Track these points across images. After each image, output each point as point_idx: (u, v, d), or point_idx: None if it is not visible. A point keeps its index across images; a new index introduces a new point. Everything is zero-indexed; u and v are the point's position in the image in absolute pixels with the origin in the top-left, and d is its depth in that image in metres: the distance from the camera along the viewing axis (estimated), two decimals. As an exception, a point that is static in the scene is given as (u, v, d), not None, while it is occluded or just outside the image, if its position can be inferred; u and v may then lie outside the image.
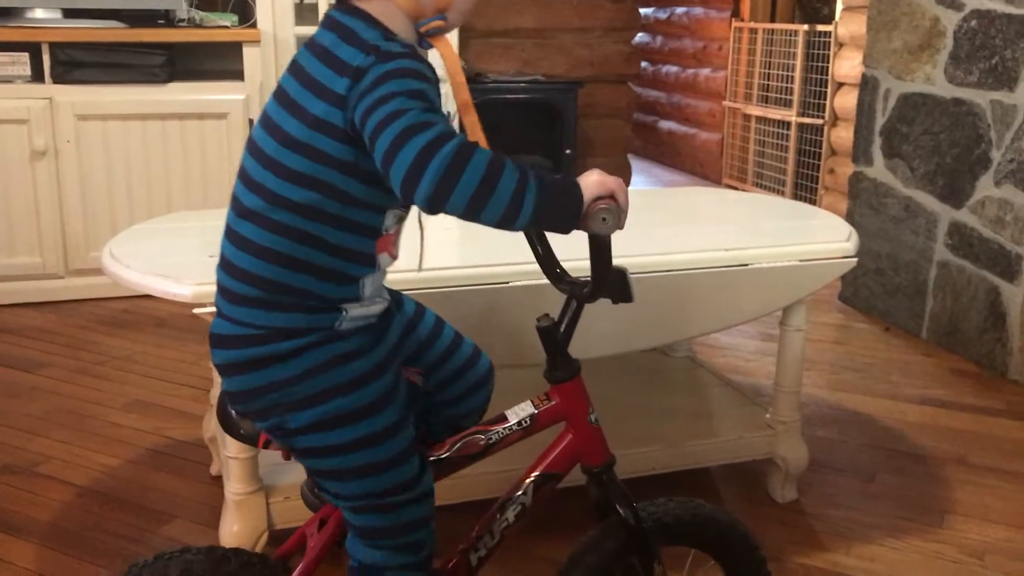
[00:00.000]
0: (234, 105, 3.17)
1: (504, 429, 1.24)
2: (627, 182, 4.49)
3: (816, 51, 4.63)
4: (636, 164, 5.92)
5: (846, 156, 3.89)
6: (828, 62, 4.50)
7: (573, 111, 4.06)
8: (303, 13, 3.36)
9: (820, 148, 4.60)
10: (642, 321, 1.69)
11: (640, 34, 6.42)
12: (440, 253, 1.72)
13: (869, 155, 3.19)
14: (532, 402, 1.25)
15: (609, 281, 1.14)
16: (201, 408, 2.26)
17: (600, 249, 1.11)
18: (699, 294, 1.72)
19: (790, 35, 4.81)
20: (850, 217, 3.27)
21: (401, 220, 1.15)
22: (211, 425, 1.96)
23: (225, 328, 1.12)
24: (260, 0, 3.26)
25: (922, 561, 1.80)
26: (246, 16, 3.30)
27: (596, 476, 1.26)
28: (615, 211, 1.05)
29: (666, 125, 6.28)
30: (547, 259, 1.23)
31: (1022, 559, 1.82)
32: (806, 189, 4.76)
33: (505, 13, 4.10)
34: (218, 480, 1.95)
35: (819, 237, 1.87)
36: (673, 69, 6.17)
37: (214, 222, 1.92)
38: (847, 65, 4.27)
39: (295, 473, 1.69)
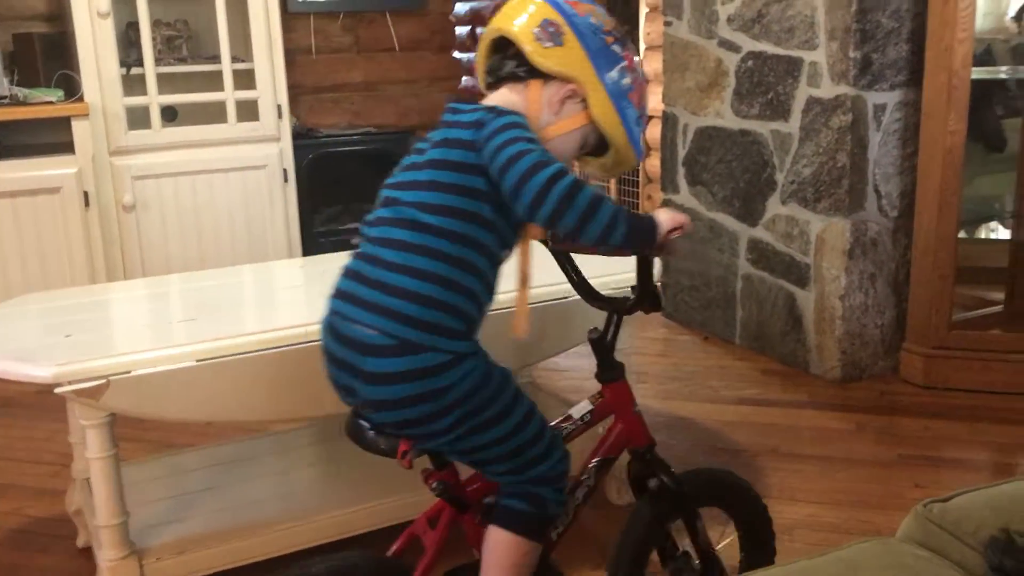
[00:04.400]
0: (66, 179, 3.19)
1: (570, 425, 1.52)
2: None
3: (627, 87, 4.99)
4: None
5: (659, 182, 4.23)
6: (638, 97, 4.86)
7: (406, 158, 4.25)
8: (130, 84, 3.41)
9: (637, 176, 4.96)
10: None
11: (467, 78, 6.69)
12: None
13: (675, 183, 3.52)
14: (589, 400, 1.54)
15: (648, 293, 1.43)
16: (60, 484, 2.29)
17: (646, 268, 1.42)
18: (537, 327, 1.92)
19: (602, 73, 5.16)
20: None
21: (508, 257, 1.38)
22: (75, 498, 2.01)
23: (381, 340, 1.27)
24: (86, 74, 3.29)
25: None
26: (72, 90, 3.33)
27: (641, 455, 1.55)
28: (687, 236, 1.36)
29: (498, 162, 6.56)
30: (582, 283, 1.58)
31: (824, 530, 2.10)
32: (630, 214, 5.09)
33: (334, 70, 4.26)
34: (86, 552, 2.00)
35: (616, 268, 2.11)
36: (499, 109, 6.46)
37: (60, 303, 1.99)
38: (653, 100, 4.64)
39: (167, 533, 1.79)
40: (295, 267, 2.62)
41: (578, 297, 1.80)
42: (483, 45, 1.44)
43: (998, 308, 3.08)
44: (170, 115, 3.58)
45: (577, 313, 1.95)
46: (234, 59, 3.57)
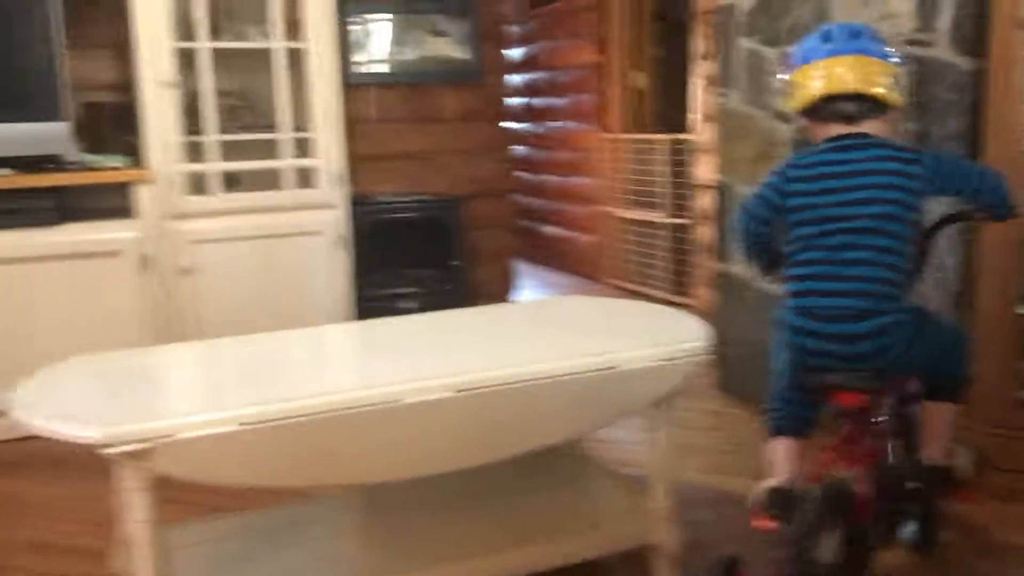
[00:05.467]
0: (126, 243, 3.27)
1: None
2: (513, 288, 4.71)
3: (679, 157, 5.02)
4: (523, 268, 6.19)
5: (714, 252, 4.20)
6: (690, 167, 4.88)
7: (458, 225, 4.29)
8: (192, 150, 3.51)
9: (691, 246, 4.94)
10: (526, 426, 1.86)
11: (521, 147, 6.78)
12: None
13: (729, 253, 3.49)
14: None
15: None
16: (104, 544, 2.29)
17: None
18: (575, 396, 1.89)
19: (654, 144, 5.20)
20: (719, 310, 3.54)
21: None
22: (118, 560, 2.01)
23: (869, 312, 1.87)
24: (149, 141, 3.40)
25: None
26: (135, 156, 3.43)
27: None
28: None
29: (549, 230, 6.60)
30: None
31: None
32: (682, 284, 5.08)
33: (391, 139, 4.34)
34: (128, 614, 1.99)
35: (678, 338, 2.08)
36: (552, 178, 6.53)
37: (113, 364, 2.02)
38: (707, 169, 4.64)
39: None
40: (346, 332, 2.63)
41: (626, 368, 1.77)
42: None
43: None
44: (230, 181, 3.66)
45: (625, 385, 1.93)
46: (294, 128, 3.66)
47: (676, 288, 5.14)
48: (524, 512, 2.12)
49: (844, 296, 1.88)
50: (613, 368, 1.90)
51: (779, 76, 2.23)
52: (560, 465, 2.43)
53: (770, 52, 3.19)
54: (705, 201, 4.72)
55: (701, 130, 4.74)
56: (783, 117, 3.14)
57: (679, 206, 5.07)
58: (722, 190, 3.52)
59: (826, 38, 1.95)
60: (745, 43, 3.31)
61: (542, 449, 2.44)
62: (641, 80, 5.60)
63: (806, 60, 1.98)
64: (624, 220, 5.59)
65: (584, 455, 2.51)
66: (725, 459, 2.89)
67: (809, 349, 1.93)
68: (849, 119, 1.94)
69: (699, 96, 4.77)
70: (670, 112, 5.46)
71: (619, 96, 5.61)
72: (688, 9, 4.98)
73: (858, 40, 1.92)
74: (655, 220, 5.24)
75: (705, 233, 4.74)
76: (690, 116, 4.96)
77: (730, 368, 3.48)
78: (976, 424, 2.78)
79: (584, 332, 2.26)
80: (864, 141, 1.93)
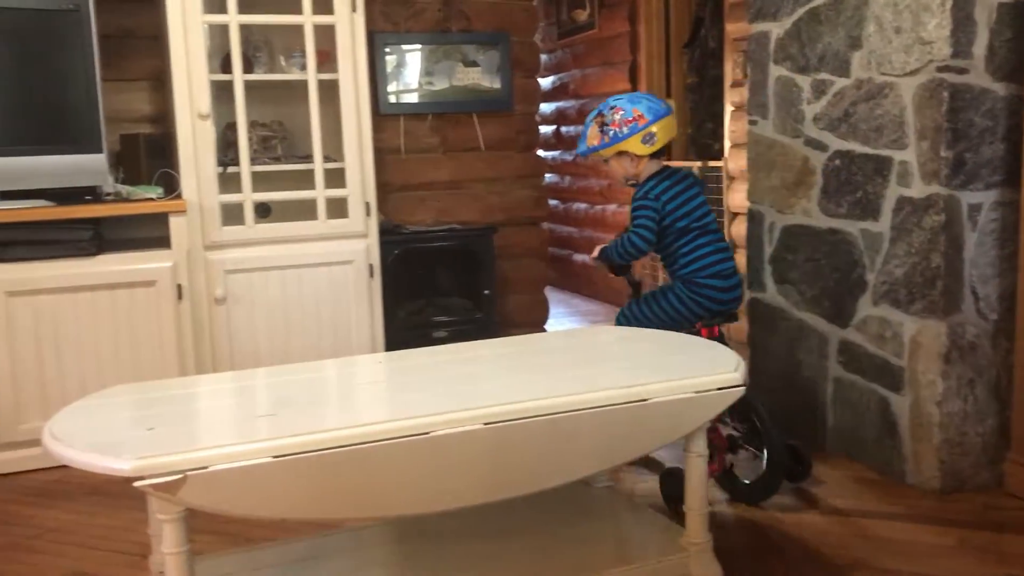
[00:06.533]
0: (162, 272, 3.31)
1: None
2: (544, 317, 4.70)
3: (711, 184, 4.99)
4: (555, 296, 6.18)
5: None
6: (722, 194, 4.85)
7: (490, 254, 4.29)
8: (226, 181, 3.55)
9: (723, 273, 4.90)
10: (556, 459, 1.84)
11: (551, 175, 6.80)
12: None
13: (762, 282, 3.46)
14: None
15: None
16: (138, 574, 2.30)
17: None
18: (606, 429, 1.88)
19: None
20: (752, 339, 3.50)
21: None
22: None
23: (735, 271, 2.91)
24: (185, 172, 3.44)
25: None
26: (171, 187, 3.48)
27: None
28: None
29: (580, 258, 6.59)
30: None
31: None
32: (715, 312, 5.03)
33: (421, 168, 4.36)
34: (159, 646, 1.99)
35: (710, 369, 2.06)
36: (582, 206, 6.53)
37: (147, 395, 2.04)
38: (739, 196, 4.61)
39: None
40: (376, 362, 2.63)
41: (658, 400, 1.75)
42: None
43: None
44: (263, 211, 3.70)
45: (657, 417, 1.91)
46: (326, 158, 3.69)
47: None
48: (556, 546, 2.10)
49: (728, 262, 2.91)
50: (645, 401, 1.88)
51: (639, 126, 2.85)
52: (592, 497, 2.40)
53: (802, 79, 3.17)
54: (738, 228, 4.69)
55: (732, 157, 4.72)
56: (815, 144, 3.12)
57: (711, 233, 5.03)
58: (754, 217, 3.50)
59: (654, 100, 2.88)
60: (776, 70, 3.30)
61: (573, 482, 2.42)
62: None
63: (658, 116, 2.83)
64: (656, 247, 5.56)
65: (615, 489, 2.48)
66: (760, 491, 2.84)
67: (714, 298, 2.85)
68: (666, 156, 3.03)
69: (730, 123, 4.76)
70: (701, 139, 5.45)
71: (650, 123, 5.61)
72: (720, 36, 4.98)
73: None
74: (687, 247, 5.20)
75: (740, 261, 4.69)
76: (720, 143, 4.94)
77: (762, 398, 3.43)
78: (1019, 456, 2.72)
79: (616, 363, 2.24)
80: (675, 170, 2.95)
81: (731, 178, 4.75)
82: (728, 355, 2.18)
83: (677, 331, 2.73)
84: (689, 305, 2.85)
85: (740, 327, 4.05)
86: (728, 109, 4.77)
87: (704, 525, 2.07)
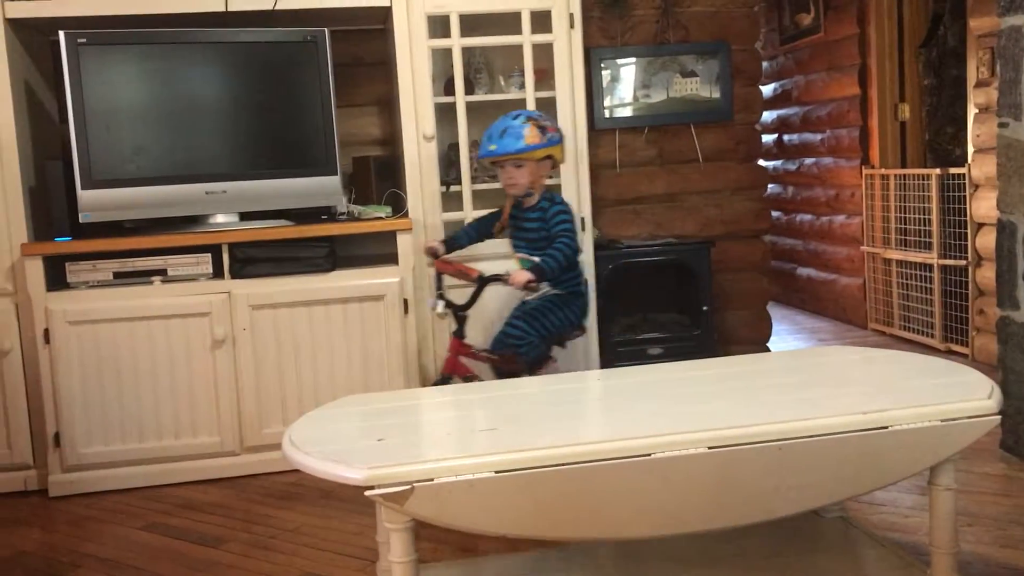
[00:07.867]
0: (390, 287, 3.45)
1: None
2: (767, 335, 4.51)
3: (952, 193, 4.62)
4: (778, 312, 5.92)
5: (994, 296, 3.81)
6: (965, 203, 4.48)
7: (707, 268, 4.17)
8: (448, 201, 3.66)
9: (966, 289, 4.52)
10: (785, 487, 1.73)
11: (772, 185, 6.54)
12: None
13: (1015, 299, 3.14)
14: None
15: None
16: (367, 579, 2.39)
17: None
18: (841, 457, 1.75)
19: (923, 179, 4.83)
20: (1001, 362, 3.19)
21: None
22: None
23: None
24: (411, 192, 3.58)
25: None
26: (398, 206, 3.63)
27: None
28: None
29: (805, 272, 6.29)
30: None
31: None
32: (956, 331, 4.65)
33: (637, 182, 4.32)
34: (385, 651, 2.05)
35: (960, 396, 1.88)
36: (807, 217, 6.23)
37: (376, 406, 2.11)
38: (985, 205, 4.24)
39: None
40: (595, 380, 2.61)
41: (901, 428, 1.62)
42: None
43: None
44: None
45: (899, 447, 1.76)
46: (543, 174, 3.72)
47: (949, 336, 4.71)
48: (783, 578, 1.98)
49: None
50: (886, 428, 1.74)
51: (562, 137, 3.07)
52: (823, 528, 2.26)
53: (1063, 75, 2.86)
54: (984, 240, 4.31)
55: (976, 163, 4.34)
56: (1080, 146, 2.80)
57: (952, 245, 4.66)
58: (1004, 228, 3.18)
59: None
60: (1032, 66, 2.99)
61: (803, 512, 2.29)
62: (904, 111, 5.24)
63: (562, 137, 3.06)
64: (889, 261, 5.22)
65: (848, 521, 2.32)
66: (1015, 531, 2.57)
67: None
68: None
69: (973, 126, 4.38)
70: (940, 145, 5.05)
71: (884, 129, 5.28)
72: (961, 33, 4.61)
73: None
74: (925, 261, 4.84)
75: (984, 276, 4.32)
76: (963, 148, 4.56)
77: (1014, 426, 3.12)
78: None
79: (850, 387, 2.10)
80: None
81: (976, 186, 4.38)
82: (980, 380, 1.99)
83: (559, 343, 3.08)
84: (579, 315, 3.12)
85: (990, 348, 3.69)
86: (972, 111, 4.40)
87: (952, 567, 1.88)
